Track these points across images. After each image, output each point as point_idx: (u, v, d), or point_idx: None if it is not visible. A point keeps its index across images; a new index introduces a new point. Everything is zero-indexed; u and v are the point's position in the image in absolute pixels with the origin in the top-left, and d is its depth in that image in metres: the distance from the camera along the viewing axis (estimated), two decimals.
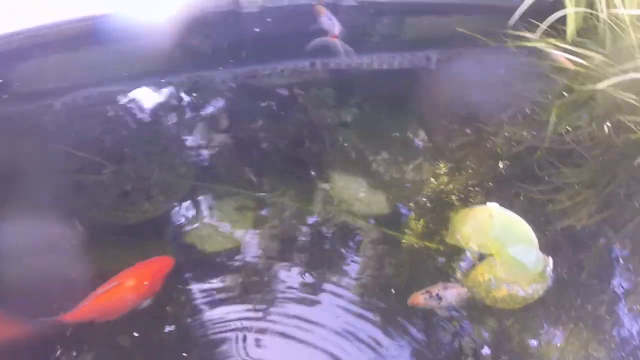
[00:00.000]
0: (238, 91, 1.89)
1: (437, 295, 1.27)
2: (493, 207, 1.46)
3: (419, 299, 1.27)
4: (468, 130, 1.86)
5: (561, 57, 2.07)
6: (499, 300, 1.33)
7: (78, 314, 1.18)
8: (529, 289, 1.35)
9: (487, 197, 1.60)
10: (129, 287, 1.21)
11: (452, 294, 1.28)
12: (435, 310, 1.30)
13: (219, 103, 1.86)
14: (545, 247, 1.46)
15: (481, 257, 1.42)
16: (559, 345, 1.32)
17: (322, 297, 1.33)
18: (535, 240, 1.43)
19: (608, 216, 1.67)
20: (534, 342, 1.31)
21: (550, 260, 1.40)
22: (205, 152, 1.68)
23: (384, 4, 2.09)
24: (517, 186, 1.67)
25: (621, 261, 1.52)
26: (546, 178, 1.71)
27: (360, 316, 1.29)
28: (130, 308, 1.22)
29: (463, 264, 1.40)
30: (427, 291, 1.28)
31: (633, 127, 1.88)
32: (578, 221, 1.60)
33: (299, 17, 2.02)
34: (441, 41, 2.18)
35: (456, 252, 1.41)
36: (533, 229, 1.47)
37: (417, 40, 2.17)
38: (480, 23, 2.18)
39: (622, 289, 1.43)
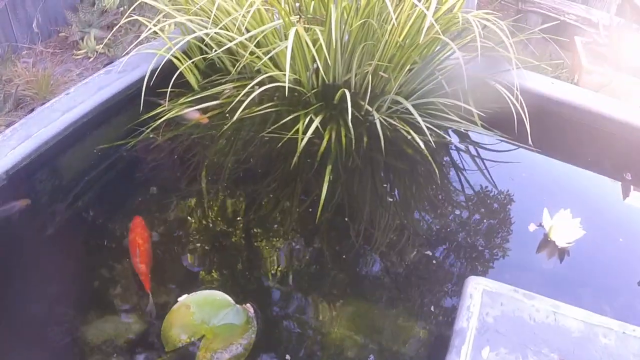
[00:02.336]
0: None
1: None
2: (184, 299, 1.62)
3: None
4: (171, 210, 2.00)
5: (192, 113, 2.28)
6: None
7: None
8: (244, 340, 1.55)
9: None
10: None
11: None
12: None
13: None
14: (244, 293, 1.69)
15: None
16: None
17: None
18: (229, 299, 1.64)
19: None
20: None
21: (249, 305, 1.61)
22: None
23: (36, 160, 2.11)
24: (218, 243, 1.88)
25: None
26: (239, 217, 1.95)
27: None
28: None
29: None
30: None
31: (280, 135, 2.13)
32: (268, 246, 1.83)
33: None
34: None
35: (180, 353, 1.55)
36: (234, 279, 1.73)
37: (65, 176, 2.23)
38: (116, 125, 2.27)
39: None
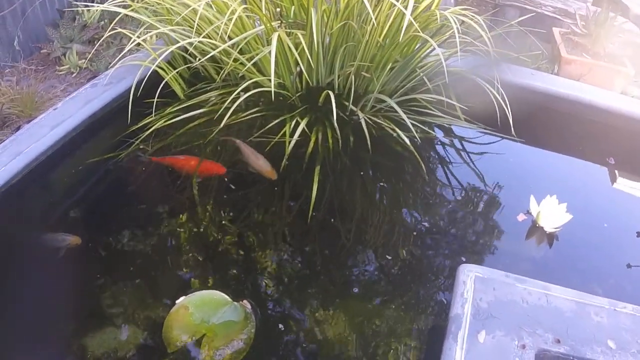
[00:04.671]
0: None
1: None
2: (182, 301, 1.65)
3: None
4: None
5: (259, 161, 2.23)
6: None
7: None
8: (244, 335, 1.58)
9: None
10: (188, 162, 2.15)
11: None
12: None
13: None
14: (241, 292, 1.72)
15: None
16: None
17: None
18: (226, 297, 1.67)
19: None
20: None
21: (246, 302, 1.64)
22: None
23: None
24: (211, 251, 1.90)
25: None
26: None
27: None
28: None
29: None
30: None
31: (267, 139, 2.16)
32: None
33: None
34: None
35: (182, 353, 1.58)
36: (230, 280, 1.76)
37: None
38: (106, 137, 2.29)
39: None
